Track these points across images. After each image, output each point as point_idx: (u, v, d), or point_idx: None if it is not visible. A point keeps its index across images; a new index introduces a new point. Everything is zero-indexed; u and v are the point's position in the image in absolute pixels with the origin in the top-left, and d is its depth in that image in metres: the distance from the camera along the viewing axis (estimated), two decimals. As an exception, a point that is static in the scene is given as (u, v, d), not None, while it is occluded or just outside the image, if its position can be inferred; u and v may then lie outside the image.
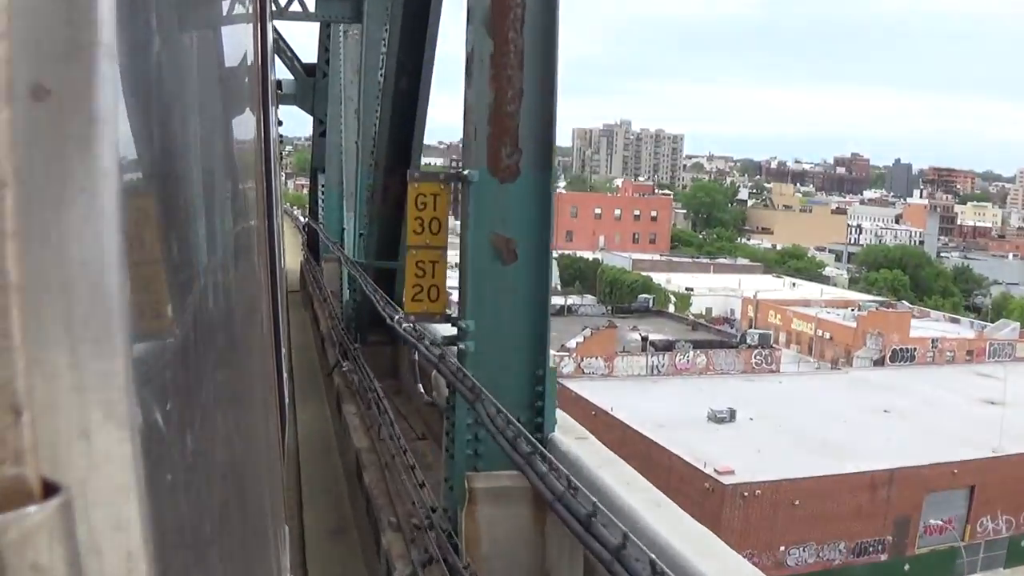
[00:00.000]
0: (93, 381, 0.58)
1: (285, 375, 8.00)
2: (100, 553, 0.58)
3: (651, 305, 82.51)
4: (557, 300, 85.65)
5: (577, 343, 57.35)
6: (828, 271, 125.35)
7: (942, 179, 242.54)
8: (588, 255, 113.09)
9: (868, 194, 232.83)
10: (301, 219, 53.98)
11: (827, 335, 72.50)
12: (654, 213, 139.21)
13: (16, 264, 0.52)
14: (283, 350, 7.07)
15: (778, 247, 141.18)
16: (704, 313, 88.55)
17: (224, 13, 2.00)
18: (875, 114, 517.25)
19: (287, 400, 8.21)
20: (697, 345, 60.50)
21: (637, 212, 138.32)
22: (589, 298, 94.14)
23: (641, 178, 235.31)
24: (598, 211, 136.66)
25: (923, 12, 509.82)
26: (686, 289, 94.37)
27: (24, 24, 0.53)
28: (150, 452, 0.73)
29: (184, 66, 1.19)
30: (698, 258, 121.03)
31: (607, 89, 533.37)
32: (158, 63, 0.94)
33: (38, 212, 0.55)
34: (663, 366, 57.40)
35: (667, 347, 59.16)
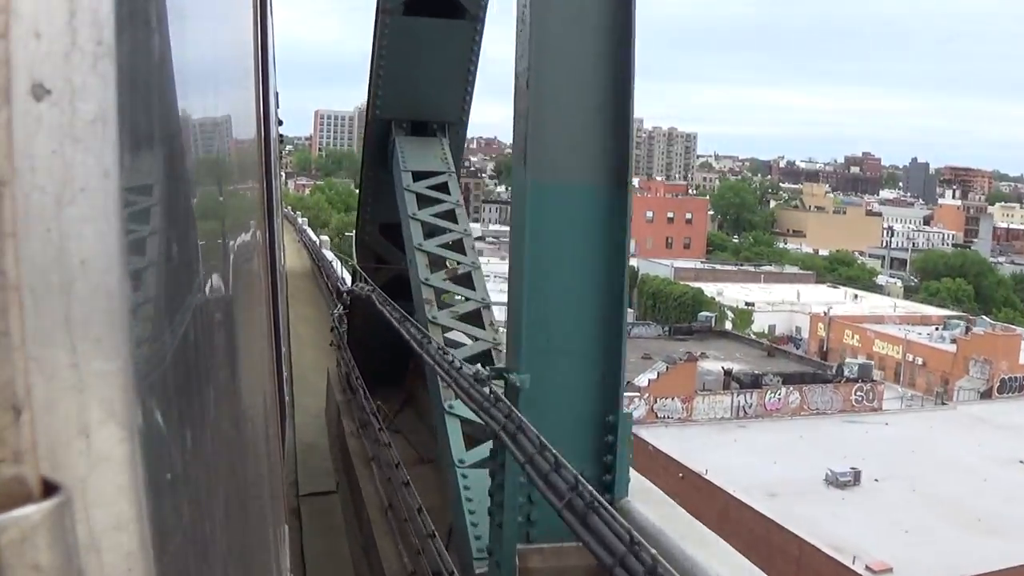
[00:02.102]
0: (93, 381, 0.58)
1: (285, 375, 8.01)
2: (100, 553, 0.58)
3: (713, 324, 70.84)
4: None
5: (650, 380, 47.10)
6: (880, 279, 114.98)
7: (959, 179, 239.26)
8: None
9: (884, 194, 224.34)
10: (311, 233, 39.66)
11: (919, 360, 63.35)
12: (688, 215, 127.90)
13: (16, 264, 0.52)
14: (283, 350, 7.09)
15: (819, 252, 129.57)
16: (767, 331, 76.99)
17: (225, 14, 2.00)
18: (874, 113, 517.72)
19: (287, 400, 8.21)
20: (787, 380, 50.75)
21: (671, 214, 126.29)
22: (630, 311, 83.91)
23: (659, 177, 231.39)
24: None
25: (921, 11, 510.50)
26: (745, 304, 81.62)
27: (24, 24, 0.54)
28: (150, 452, 0.73)
29: (184, 66, 1.19)
30: (742, 265, 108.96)
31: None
32: (158, 63, 0.94)
33: (38, 212, 0.55)
34: (751, 406, 48.10)
35: (754, 382, 49.81)
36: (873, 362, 59.98)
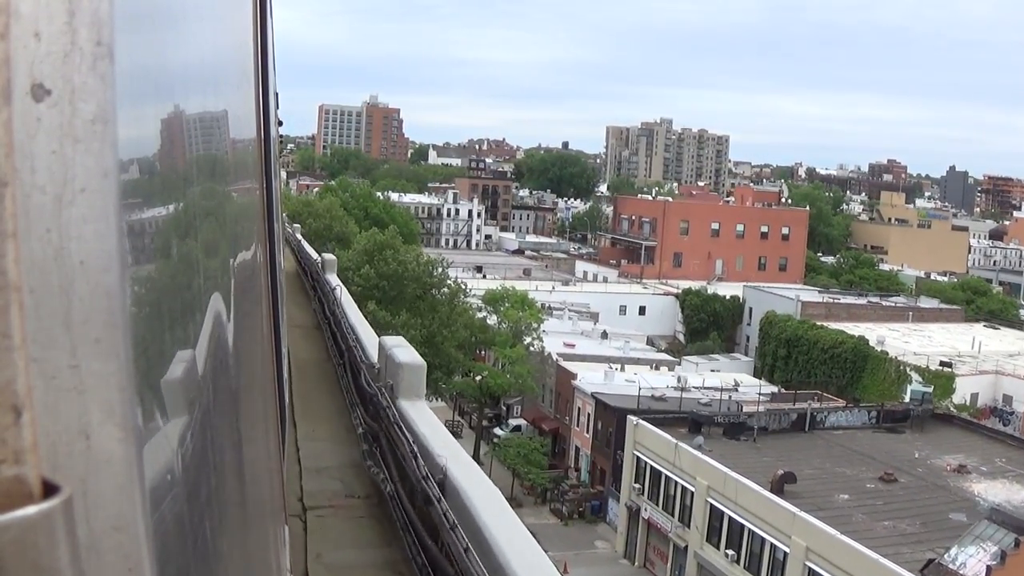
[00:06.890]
0: (93, 381, 0.58)
1: (285, 375, 8.01)
2: (100, 553, 0.58)
3: (933, 404, 47.50)
4: (757, 383, 49.60)
5: (990, 567, 27.80)
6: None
7: (997, 188, 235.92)
8: (702, 285, 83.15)
9: (921, 203, 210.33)
10: (313, 253, 20.32)
11: None
12: (785, 230, 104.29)
13: (16, 264, 0.52)
14: (283, 350, 7.09)
15: (931, 275, 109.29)
16: (968, 402, 53.96)
17: (225, 14, 2.00)
18: (876, 122, 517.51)
19: (287, 400, 8.20)
20: None
21: (764, 228, 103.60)
22: (744, 359, 63.64)
23: (701, 182, 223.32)
24: (715, 226, 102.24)
25: (924, 19, 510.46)
26: (940, 364, 56.51)
27: (24, 24, 0.54)
28: (150, 452, 0.73)
29: (184, 66, 1.19)
30: (867, 296, 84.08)
31: (607, 95, 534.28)
32: (158, 63, 0.94)
33: (38, 212, 0.55)
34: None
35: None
36: None
